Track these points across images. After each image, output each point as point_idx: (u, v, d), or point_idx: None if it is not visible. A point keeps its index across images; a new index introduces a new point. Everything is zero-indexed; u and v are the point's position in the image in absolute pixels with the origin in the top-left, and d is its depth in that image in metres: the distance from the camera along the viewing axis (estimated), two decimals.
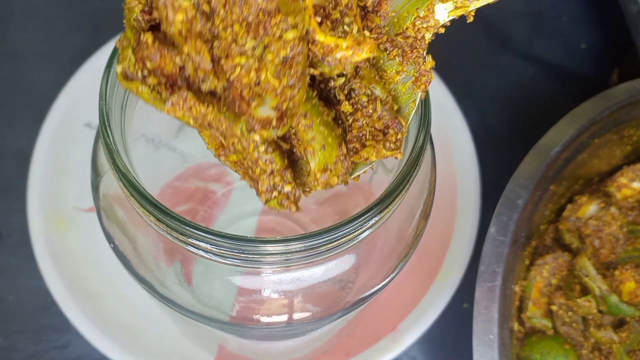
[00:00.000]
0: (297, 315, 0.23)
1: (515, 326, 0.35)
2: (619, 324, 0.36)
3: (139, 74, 0.18)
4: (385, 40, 0.20)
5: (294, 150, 0.20)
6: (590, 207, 0.38)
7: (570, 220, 0.37)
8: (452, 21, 0.21)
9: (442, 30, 0.21)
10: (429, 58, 0.21)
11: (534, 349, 0.34)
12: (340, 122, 0.20)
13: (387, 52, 0.21)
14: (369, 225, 0.20)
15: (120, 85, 0.22)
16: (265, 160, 0.19)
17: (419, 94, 0.21)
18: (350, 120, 0.20)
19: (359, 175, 0.21)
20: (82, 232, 0.37)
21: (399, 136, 0.20)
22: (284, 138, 0.20)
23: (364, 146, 0.20)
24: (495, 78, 0.47)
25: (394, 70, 0.21)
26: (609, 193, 0.38)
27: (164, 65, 0.18)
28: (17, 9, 0.47)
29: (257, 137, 0.18)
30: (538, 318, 0.35)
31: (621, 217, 0.37)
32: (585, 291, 0.36)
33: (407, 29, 0.20)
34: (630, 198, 0.39)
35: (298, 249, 0.19)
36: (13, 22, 0.46)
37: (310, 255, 0.20)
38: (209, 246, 0.19)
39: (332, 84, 0.20)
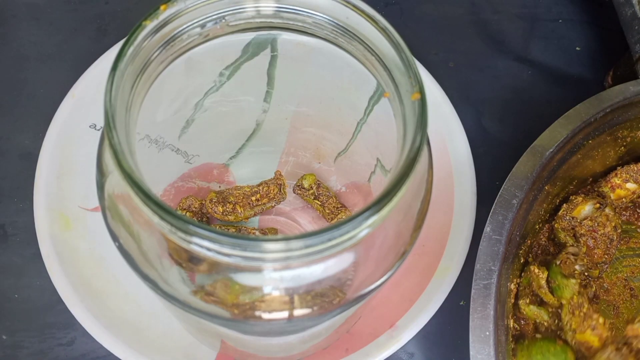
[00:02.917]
0: (297, 312, 0.23)
1: (511, 323, 0.35)
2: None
3: None
4: None
5: None
6: (585, 207, 0.38)
7: (566, 219, 0.38)
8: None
9: None
10: None
11: (532, 352, 0.34)
12: None
13: None
14: (367, 224, 0.20)
15: (125, 87, 0.22)
16: None
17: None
18: None
19: None
20: (87, 232, 0.37)
21: None
22: None
23: None
24: (491, 80, 0.47)
25: None
26: (603, 193, 0.39)
27: None
28: (21, 12, 0.47)
29: None
30: (535, 306, 0.35)
31: (615, 217, 0.37)
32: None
33: None
34: (624, 198, 0.39)
35: (298, 248, 0.19)
36: (17, 25, 0.46)
37: (310, 254, 0.20)
38: (211, 244, 0.19)
39: None
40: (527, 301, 0.35)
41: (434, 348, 0.39)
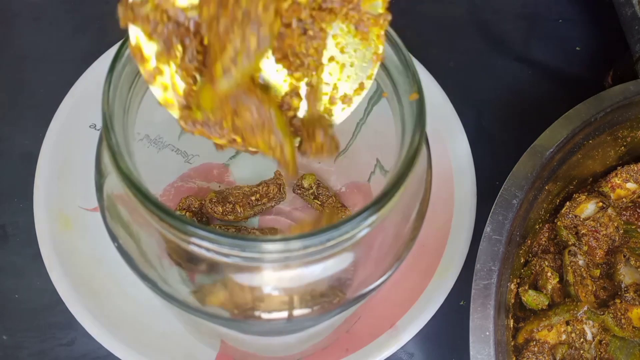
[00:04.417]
0: (296, 312, 0.23)
1: (511, 323, 0.35)
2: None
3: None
4: None
5: None
6: (588, 205, 0.38)
7: (568, 217, 0.37)
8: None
9: None
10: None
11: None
12: None
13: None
14: (366, 224, 0.20)
15: (122, 88, 0.22)
16: None
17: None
18: None
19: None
20: (87, 232, 0.37)
21: None
22: None
23: None
24: (492, 80, 0.47)
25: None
26: (604, 193, 0.39)
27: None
28: (21, 12, 0.47)
29: None
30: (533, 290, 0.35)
31: (617, 218, 0.37)
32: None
33: None
34: (624, 198, 0.39)
35: (297, 248, 0.19)
36: (18, 25, 0.47)
37: (309, 254, 0.20)
38: (210, 245, 0.19)
39: None
40: (526, 287, 0.35)
41: (434, 348, 0.39)
